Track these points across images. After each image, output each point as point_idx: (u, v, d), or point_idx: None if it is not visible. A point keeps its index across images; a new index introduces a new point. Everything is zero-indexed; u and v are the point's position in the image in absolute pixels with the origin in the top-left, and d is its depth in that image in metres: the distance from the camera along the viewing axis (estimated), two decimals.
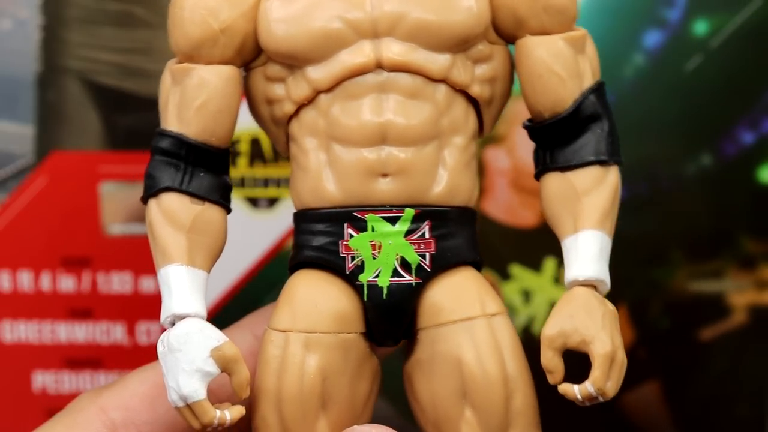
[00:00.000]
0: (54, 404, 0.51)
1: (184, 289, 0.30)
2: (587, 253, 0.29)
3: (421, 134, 0.30)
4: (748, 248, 0.51)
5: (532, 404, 0.30)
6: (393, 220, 0.30)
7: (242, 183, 0.50)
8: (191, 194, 0.30)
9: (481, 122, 0.32)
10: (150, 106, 0.50)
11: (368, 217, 0.30)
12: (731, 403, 0.52)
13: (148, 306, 0.51)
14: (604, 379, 0.28)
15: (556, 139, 0.30)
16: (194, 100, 0.30)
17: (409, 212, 0.30)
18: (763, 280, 0.51)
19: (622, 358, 0.28)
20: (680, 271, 0.51)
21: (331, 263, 0.30)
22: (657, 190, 0.50)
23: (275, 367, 0.30)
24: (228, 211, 0.32)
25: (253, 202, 0.50)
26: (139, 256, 0.50)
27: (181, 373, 0.29)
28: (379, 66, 0.29)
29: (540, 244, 0.49)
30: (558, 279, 0.49)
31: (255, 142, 0.49)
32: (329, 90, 0.30)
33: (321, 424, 0.30)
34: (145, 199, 0.31)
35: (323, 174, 0.30)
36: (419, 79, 0.30)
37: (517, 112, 0.50)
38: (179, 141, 0.30)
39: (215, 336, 0.29)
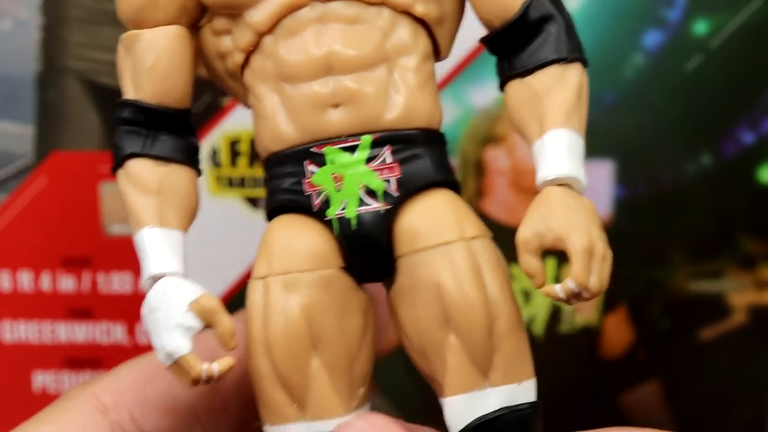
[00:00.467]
0: None
1: (158, 249, 0.30)
2: (555, 151, 0.29)
3: (366, 60, 0.29)
4: (748, 248, 0.51)
5: (518, 327, 0.29)
6: (351, 150, 0.29)
7: (242, 183, 0.50)
8: (155, 157, 0.30)
9: (436, 43, 0.31)
10: None
11: (325, 150, 0.29)
12: (731, 403, 0.52)
13: None
14: (584, 273, 0.27)
15: (511, 47, 0.30)
16: (144, 63, 0.30)
17: (366, 139, 0.29)
18: (763, 280, 0.51)
19: (602, 250, 0.28)
20: (680, 271, 0.51)
21: (299, 203, 0.30)
22: (657, 190, 0.51)
23: (259, 315, 0.30)
24: (198, 172, 0.32)
25: (253, 202, 0.50)
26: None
27: (163, 331, 0.29)
28: None
29: None
30: (558, 279, 0.49)
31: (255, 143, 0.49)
32: (270, 31, 0.30)
33: (314, 364, 0.29)
34: (113, 171, 0.31)
35: (278, 115, 0.30)
36: (357, 4, 0.29)
37: None
38: (137, 107, 0.30)
39: (192, 290, 0.29)
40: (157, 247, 0.30)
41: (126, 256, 0.50)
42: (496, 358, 0.29)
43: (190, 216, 0.31)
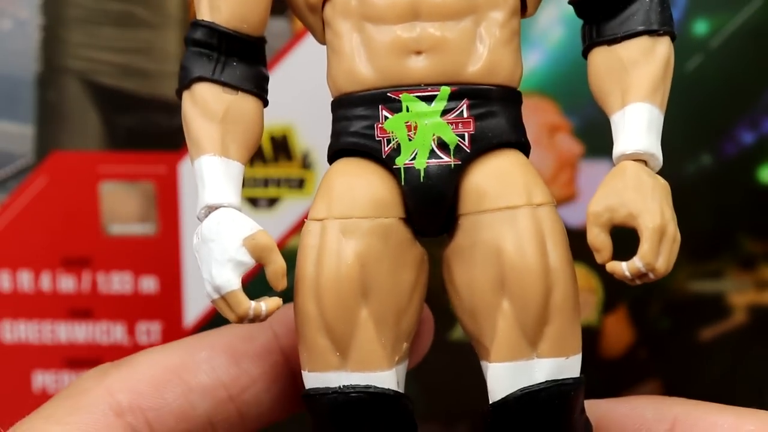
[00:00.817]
0: None
1: (217, 179, 0.29)
2: (635, 125, 0.28)
3: (455, 8, 0.29)
4: (748, 248, 0.51)
5: (573, 299, 0.29)
6: (429, 99, 0.29)
7: (242, 183, 0.50)
8: (224, 83, 0.29)
9: (524, 2, 0.30)
10: (150, 106, 0.50)
11: (402, 96, 0.29)
12: (731, 403, 0.52)
13: (149, 306, 0.51)
14: (653, 253, 0.27)
15: (601, 12, 0.29)
16: None
17: (445, 90, 0.29)
18: (763, 280, 0.51)
19: (673, 232, 0.27)
20: (680, 271, 0.51)
21: (368, 148, 0.29)
22: None
23: (313, 256, 0.29)
24: (265, 102, 0.31)
25: (253, 202, 0.50)
26: (139, 256, 0.50)
27: (214, 263, 0.28)
28: None
29: None
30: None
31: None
32: None
33: (362, 313, 0.29)
34: (179, 92, 0.30)
35: (356, 56, 0.29)
36: None
37: None
38: (211, 30, 0.29)
39: (248, 225, 0.28)
40: (216, 176, 0.29)
41: (126, 256, 0.50)
42: (547, 329, 0.28)
43: (252, 147, 0.30)
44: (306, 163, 0.50)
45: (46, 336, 0.51)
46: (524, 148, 0.30)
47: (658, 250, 0.27)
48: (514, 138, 0.30)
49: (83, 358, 0.51)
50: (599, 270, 0.53)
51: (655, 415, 0.31)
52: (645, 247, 0.27)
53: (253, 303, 0.28)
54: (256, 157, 0.49)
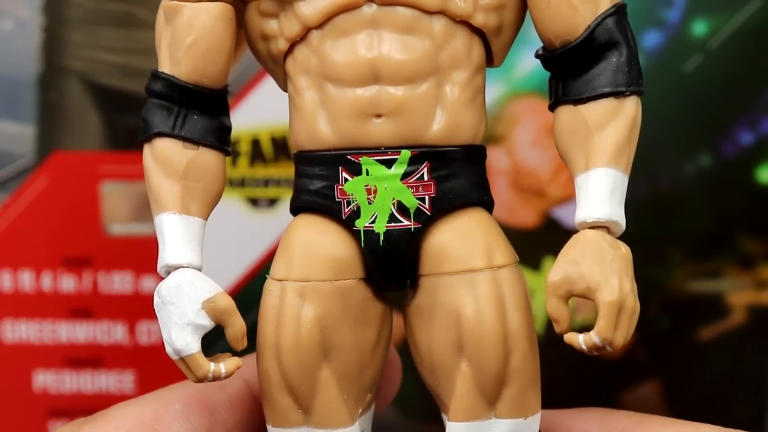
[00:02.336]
0: (55, 404, 0.51)
1: (177, 238, 0.29)
2: (597, 192, 0.27)
3: (416, 71, 0.28)
4: (747, 248, 0.51)
5: (532, 362, 0.29)
6: (389, 163, 0.28)
7: (242, 183, 0.50)
8: (184, 138, 0.29)
9: (490, 52, 0.30)
10: None
11: (362, 160, 0.28)
12: (730, 403, 0.52)
13: (149, 306, 0.51)
14: (609, 328, 0.26)
15: (568, 69, 0.28)
16: (184, 39, 0.29)
17: (405, 154, 0.28)
18: (762, 279, 0.51)
19: (632, 305, 0.27)
20: (679, 271, 0.51)
21: (328, 208, 0.29)
22: (656, 190, 0.51)
23: (273, 318, 0.29)
24: (226, 153, 0.30)
25: (253, 202, 0.50)
26: (139, 255, 0.50)
27: (174, 326, 0.28)
28: (371, 0, 0.28)
29: (540, 244, 0.49)
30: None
31: (255, 143, 0.49)
32: (320, 26, 0.29)
33: (324, 372, 0.29)
34: (139, 144, 0.30)
35: (317, 115, 0.29)
36: (413, 11, 0.28)
37: (517, 113, 0.50)
38: (171, 83, 0.29)
39: (207, 287, 0.28)
40: (176, 235, 0.29)
41: (127, 256, 0.50)
42: (506, 390, 0.28)
43: (213, 202, 0.30)
44: None
45: (47, 335, 0.51)
46: (488, 206, 0.30)
47: (614, 325, 0.27)
48: (476, 197, 0.29)
49: (84, 358, 0.51)
50: None
51: (601, 428, 0.31)
52: (602, 322, 0.26)
53: (212, 365, 0.28)
54: (256, 157, 0.49)
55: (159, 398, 0.32)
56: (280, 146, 0.49)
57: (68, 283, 0.51)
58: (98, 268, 0.51)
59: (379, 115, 0.28)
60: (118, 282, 0.51)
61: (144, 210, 0.50)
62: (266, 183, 0.50)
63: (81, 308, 0.51)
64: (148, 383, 0.51)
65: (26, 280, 0.50)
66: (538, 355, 0.29)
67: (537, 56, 0.30)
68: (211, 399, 0.32)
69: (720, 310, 0.51)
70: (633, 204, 0.51)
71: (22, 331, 0.51)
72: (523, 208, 0.50)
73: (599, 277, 0.27)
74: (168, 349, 0.29)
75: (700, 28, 0.49)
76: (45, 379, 0.51)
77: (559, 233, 0.49)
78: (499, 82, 0.49)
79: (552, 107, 0.29)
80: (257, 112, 0.49)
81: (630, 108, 0.28)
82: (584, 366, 0.51)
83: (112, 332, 0.51)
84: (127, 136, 0.50)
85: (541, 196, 0.50)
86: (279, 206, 0.50)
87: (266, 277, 0.30)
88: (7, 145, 0.50)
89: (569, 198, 0.50)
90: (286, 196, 0.50)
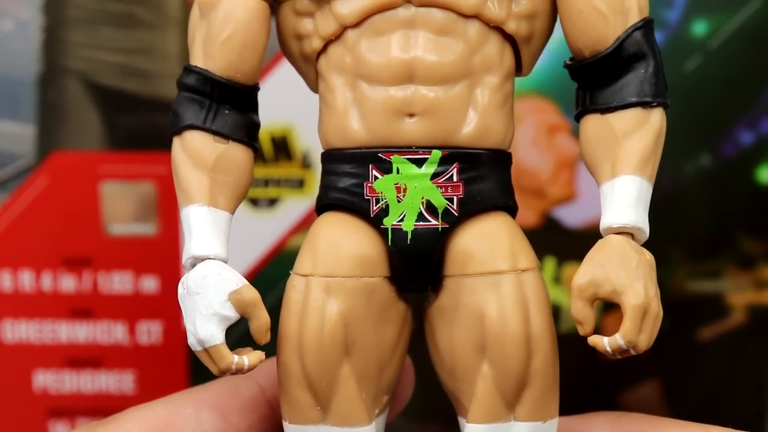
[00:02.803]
0: (55, 403, 0.51)
1: (204, 230, 0.29)
2: (624, 199, 0.28)
3: (450, 72, 0.29)
4: (747, 248, 0.51)
5: (553, 366, 0.29)
6: (419, 162, 0.29)
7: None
8: (215, 132, 0.29)
9: (519, 60, 0.30)
10: (150, 106, 0.50)
11: (393, 158, 0.29)
12: (730, 403, 0.52)
13: (149, 305, 0.51)
14: (635, 331, 0.27)
15: (596, 79, 0.29)
16: (220, 34, 0.29)
17: (436, 154, 0.29)
18: (762, 279, 0.51)
19: (656, 310, 0.27)
20: (679, 271, 0.51)
21: (356, 205, 0.29)
22: (656, 190, 0.50)
23: (297, 313, 0.29)
24: (255, 150, 0.31)
25: (254, 202, 0.50)
26: (139, 255, 0.50)
27: (199, 316, 0.28)
28: (408, 0, 0.28)
29: (540, 244, 0.49)
30: (558, 279, 0.50)
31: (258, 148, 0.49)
32: (356, 25, 0.29)
33: (344, 370, 0.29)
34: (169, 137, 0.30)
35: (349, 113, 0.29)
36: (450, 14, 0.28)
37: (517, 113, 0.50)
38: (204, 77, 0.29)
39: (234, 279, 0.28)
40: (203, 227, 0.29)
41: (127, 256, 0.50)
42: (526, 393, 0.29)
43: (240, 197, 0.30)
44: (306, 163, 0.50)
45: (47, 335, 0.51)
46: (512, 211, 0.31)
47: (640, 328, 0.27)
48: (502, 202, 0.30)
49: (84, 358, 0.51)
50: None
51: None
52: (627, 325, 0.27)
53: (236, 357, 0.28)
54: (257, 157, 0.49)
55: (172, 402, 0.32)
56: (280, 146, 0.49)
57: (68, 283, 0.51)
58: (98, 268, 0.51)
59: (412, 115, 0.29)
60: (118, 282, 0.51)
61: (144, 210, 0.50)
62: (266, 183, 0.50)
63: (81, 308, 0.51)
64: (148, 383, 0.51)
65: (26, 280, 0.50)
66: (558, 359, 0.30)
67: (565, 66, 0.30)
68: (223, 403, 0.32)
69: (720, 310, 0.51)
70: None
71: (22, 331, 0.51)
72: (523, 208, 0.50)
73: (625, 281, 0.27)
74: (191, 340, 0.28)
75: (700, 28, 0.49)
76: (45, 379, 0.51)
77: (558, 233, 0.49)
78: None
79: (578, 116, 0.30)
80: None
81: (656, 119, 0.29)
82: (584, 366, 0.51)
83: (112, 332, 0.51)
84: (127, 136, 0.50)
85: (541, 196, 0.50)
86: (279, 206, 0.50)
87: (289, 274, 0.30)
88: (7, 145, 0.50)
89: (569, 198, 0.50)
90: (286, 197, 0.50)
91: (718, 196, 0.51)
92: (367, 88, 0.29)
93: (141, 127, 0.50)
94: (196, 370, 0.51)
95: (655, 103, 0.28)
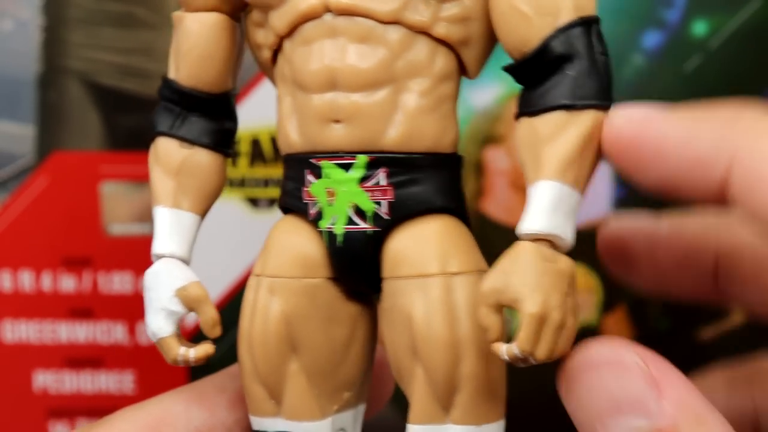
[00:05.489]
0: (55, 404, 0.51)
1: (164, 230, 0.31)
2: (539, 205, 0.27)
3: (371, 78, 0.29)
4: None
5: (485, 370, 0.28)
6: (347, 167, 0.29)
7: (242, 183, 0.50)
8: (180, 138, 0.31)
9: (463, 63, 0.30)
10: (150, 106, 0.50)
11: (323, 163, 0.29)
12: None
13: None
14: (529, 341, 0.26)
15: (527, 81, 0.28)
16: (182, 46, 0.31)
17: (362, 159, 0.29)
18: None
19: (558, 319, 0.26)
20: None
21: (298, 209, 0.30)
22: None
23: (248, 311, 0.30)
24: (225, 155, 0.32)
25: (253, 202, 0.50)
26: (139, 255, 0.50)
27: (151, 310, 0.30)
28: (328, 9, 0.29)
29: None
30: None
31: (255, 143, 0.49)
32: (289, 35, 0.30)
33: (292, 367, 0.30)
34: (148, 144, 0.32)
35: (290, 120, 0.30)
36: (369, 21, 0.29)
37: None
38: (173, 87, 0.31)
39: (182, 276, 0.30)
40: (164, 227, 0.31)
41: (126, 256, 0.50)
42: (458, 397, 0.28)
43: (207, 199, 0.32)
44: None
45: (46, 336, 0.51)
46: (458, 214, 0.30)
47: (536, 338, 0.26)
48: (439, 204, 0.29)
49: (84, 358, 0.51)
50: (599, 270, 0.53)
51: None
52: (521, 335, 0.26)
53: (182, 349, 0.30)
54: (256, 157, 0.50)
55: (163, 401, 0.33)
56: None
57: (68, 283, 0.51)
58: (98, 268, 0.51)
59: (338, 121, 0.29)
60: (118, 282, 0.51)
61: (144, 210, 0.50)
62: (266, 183, 0.50)
63: (81, 308, 0.51)
64: (148, 383, 0.51)
65: (26, 280, 0.50)
66: (499, 364, 0.29)
67: (504, 69, 0.29)
68: (211, 400, 0.33)
69: (720, 310, 0.51)
70: (633, 204, 0.51)
71: (22, 331, 0.51)
72: (523, 208, 0.50)
73: (524, 289, 0.26)
74: (148, 332, 0.31)
75: (700, 28, 0.49)
76: (45, 379, 0.51)
77: None
78: (499, 82, 0.49)
79: (516, 119, 0.29)
80: (257, 112, 0.49)
81: (584, 122, 0.27)
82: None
83: (112, 332, 0.51)
84: (127, 136, 0.50)
85: None
86: None
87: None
88: (7, 145, 0.50)
89: None
90: None
91: None
92: (301, 96, 0.30)
93: (141, 127, 0.50)
94: (196, 370, 0.51)
95: (581, 105, 0.27)
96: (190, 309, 0.30)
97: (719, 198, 0.24)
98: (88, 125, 0.50)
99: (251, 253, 0.50)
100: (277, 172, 0.50)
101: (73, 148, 0.50)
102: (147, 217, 0.50)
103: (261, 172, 0.50)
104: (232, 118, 0.33)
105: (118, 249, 0.50)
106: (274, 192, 0.50)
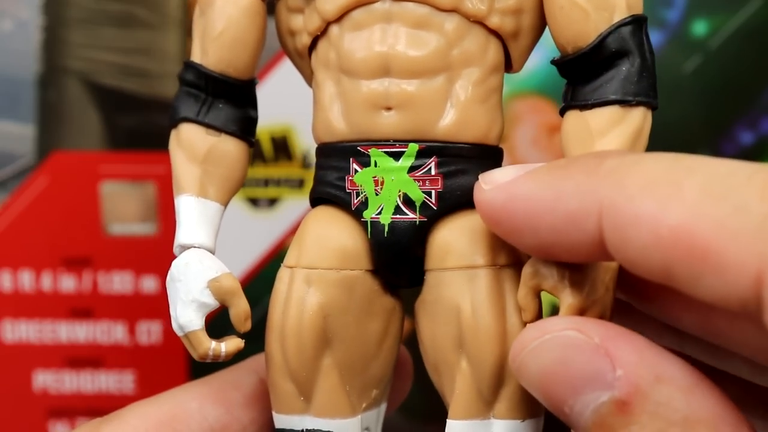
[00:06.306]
0: (55, 404, 0.51)
1: (192, 219, 0.30)
2: None
3: (426, 66, 0.28)
4: None
5: None
6: (396, 156, 0.29)
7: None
8: (207, 125, 0.30)
9: (509, 56, 0.30)
10: (150, 106, 0.50)
11: (371, 151, 0.29)
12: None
13: (149, 305, 0.51)
14: None
15: (579, 76, 0.29)
16: (213, 30, 0.30)
17: (413, 147, 0.29)
18: None
19: (596, 314, 0.27)
20: None
21: (339, 199, 0.30)
22: None
23: (281, 303, 0.30)
24: (249, 144, 0.32)
25: (253, 202, 0.50)
26: (139, 255, 0.50)
27: (179, 302, 0.29)
28: None
29: None
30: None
31: (255, 143, 0.49)
32: (338, 21, 0.29)
33: (326, 361, 0.29)
34: (168, 130, 0.31)
35: (333, 107, 0.30)
36: (426, 8, 0.29)
37: (518, 113, 0.50)
38: (199, 72, 0.30)
39: (214, 267, 0.29)
40: (191, 217, 0.30)
41: (126, 256, 0.50)
42: (503, 391, 0.28)
43: (232, 189, 0.31)
44: (306, 163, 0.50)
45: (46, 335, 0.51)
46: None
47: None
48: None
49: (84, 358, 0.51)
50: None
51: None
52: None
53: (213, 343, 0.29)
54: (257, 157, 0.49)
55: (176, 397, 0.32)
56: (280, 146, 0.49)
57: (68, 283, 0.51)
58: (98, 268, 0.51)
59: (389, 108, 0.29)
60: (118, 282, 0.51)
61: (144, 210, 0.50)
62: (266, 183, 0.50)
63: (81, 308, 0.51)
64: (148, 383, 0.51)
65: (26, 280, 0.50)
66: None
67: (552, 62, 0.30)
68: (226, 396, 0.32)
69: None
70: None
71: (22, 331, 0.51)
72: None
73: (568, 280, 0.26)
74: (174, 325, 0.29)
75: (700, 28, 0.49)
76: (45, 379, 0.51)
77: None
78: None
79: (562, 112, 0.29)
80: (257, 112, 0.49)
81: (636, 118, 0.28)
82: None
83: (112, 332, 0.51)
84: (127, 136, 0.50)
85: None
86: (279, 206, 0.50)
87: (279, 268, 0.31)
88: (7, 145, 0.50)
89: None
90: (286, 196, 0.50)
91: None
92: (348, 83, 0.29)
93: (141, 127, 0.50)
94: (196, 370, 0.51)
95: (634, 102, 0.28)
96: (222, 302, 0.29)
97: (601, 251, 0.24)
98: (88, 125, 0.50)
99: (251, 253, 0.50)
100: (276, 172, 0.50)
101: (72, 148, 0.50)
102: (147, 217, 0.50)
103: (261, 172, 0.50)
104: (255, 106, 0.32)
105: (118, 249, 0.50)
106: (274, 192, 0.50)
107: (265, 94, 0.49)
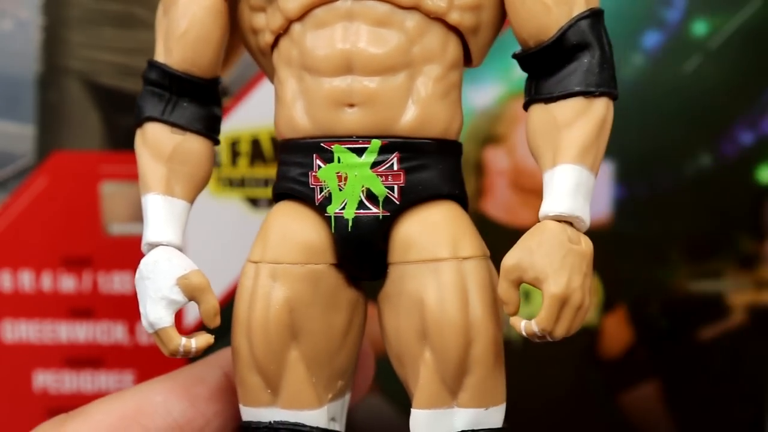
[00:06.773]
0: (55, 404, 0.51)
1: (159, 218, 0.30)
2: (562, 187, 0.28)
3: (388, 63, 0.29)
4: (747, 248, 0.51)
5: (494, 353, 0.29)
6: (359, 152, 0.29)
7: (242, 183, 0.50)
8: (172, 124, 0.31)
9: (469, 51, 0.31)
10: None
11: (334, 147, 0.29)
12: (730, 403, 0.52)
13: None
14: (549, 320, 0.27)
15: (541, 69, 0.29)
16: (177, 29, 0.30)
17: (376, 143, 0.29)
18: (762, 279, 0.51)
19: (578, 300, 0.27)
20: (680, 271, 0.51)
21: (303, 194, 0.30)
22: (656, 191, 0.51)
23: (246, 298, 0.30)
24: (214, 142, 0.32)
25: (253, 202, 0.50)
26: (139, 255, 0.50)
27: (149, 300, 0.29)
28: None
29: None
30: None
31: (255, 143, 0.49)
32: (300, 19, 0.30)
33: (292, 354, 0.30)
34: (133, 129, 0.32)
35: (295, 104, 0.30)
36: (387, 6, 0.29)
37: (517, 113, 0.50)
38: (163, 71, 0.31)
39: (183, 264, 0.29)
40: (158, 215, 0.30)
41: (126, 256, 0.50)
42: (467, 380, 0.29)
43: (198, 187, 0.31)
44: None
45: (46, 335, 0.51)
46: (460, 200, 0.31)
47: (556, 318, 0.27)
48: (446, 190, 0.30)
49: (84, 358, 0.51)
50: (600, 270, 0.53)
51: None
52: (543, 314, 0.27)
53: (183, 339, 0.29)
54: (256, 157, 0.50)
55: (141, 391, 0.33)
56: None
57: (68, 283, 0.51)
58: (98, 268, 0.51)
59: (352, 105, 0.29)
60: (118, 282, 0.51)
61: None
62: (266, 183, 0.50)
63: (81, 308, 0.51)
64: None
65: (26, 280, 0.50)
66: (503, 348, 0.30)
67: (513, 56, 0.30)
68: (190, 391, 0.32)
69: (720, 310, 0.51)
70: (633, 204, 0.51)
71: (22, 331, 0.51)
72: (523, 208, 0.50)
73: (548, 269, 0.27)
74: (144, 323, 0.30)
75: (700, 28, 0.49)
76: (45, 379, 0.51)
77: None
78: (499, 82, 0.49)
79: (526, 106, 0.30)
80: (257, 112, 0.49)
81: (599, 108, 0.29)
82: (584, 366, 0.51)
83: (112, 332, 0.51)
84: (127, 136, 0.50)
85: (541, 196, 0.50)
86: None
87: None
88: (7, 145, 0.50)
89: None
90: None
91: (718, 197, 0.51)
92: (311, 80, 0.30)
93: None
94: None
95: (597, 92, 0.28)
96: (191, 298, 0.29)
97: None
98: (88, 125, 0.50)
99: None
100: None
101: (72, 148, 0.50)
102: None
103: (261, 172, 0.50)
104: (220, 104, 0.32)
105: (118, 249, 0.50)
106: None
107: (264, 94, 0.49)
